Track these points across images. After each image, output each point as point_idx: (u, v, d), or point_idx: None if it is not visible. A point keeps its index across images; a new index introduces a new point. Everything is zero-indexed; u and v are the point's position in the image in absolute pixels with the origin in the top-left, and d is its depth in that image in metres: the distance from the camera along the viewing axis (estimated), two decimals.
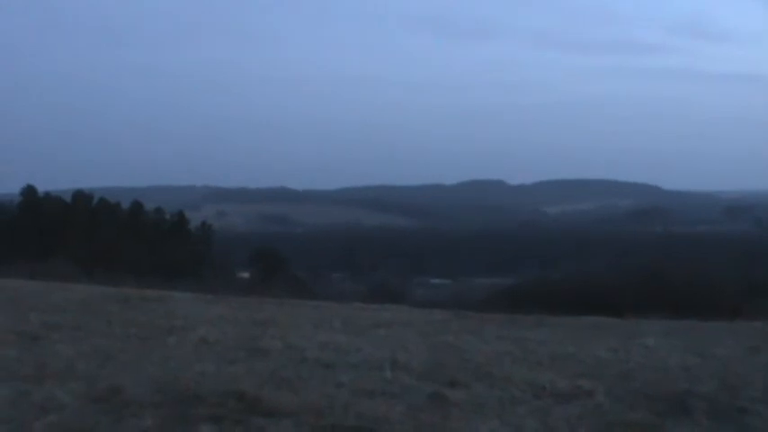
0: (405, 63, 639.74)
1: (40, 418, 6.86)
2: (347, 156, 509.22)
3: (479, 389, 8.51)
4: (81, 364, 9.11)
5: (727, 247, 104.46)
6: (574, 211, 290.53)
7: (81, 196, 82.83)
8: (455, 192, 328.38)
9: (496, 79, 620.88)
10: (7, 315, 12.98)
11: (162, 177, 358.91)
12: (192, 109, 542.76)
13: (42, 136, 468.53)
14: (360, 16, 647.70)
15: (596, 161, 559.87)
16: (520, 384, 8.67)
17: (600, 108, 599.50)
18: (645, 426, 7.33)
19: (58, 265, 36.98)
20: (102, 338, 11.37)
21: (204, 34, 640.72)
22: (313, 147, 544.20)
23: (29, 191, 79.61)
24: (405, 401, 7.85)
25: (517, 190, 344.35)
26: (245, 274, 72.14)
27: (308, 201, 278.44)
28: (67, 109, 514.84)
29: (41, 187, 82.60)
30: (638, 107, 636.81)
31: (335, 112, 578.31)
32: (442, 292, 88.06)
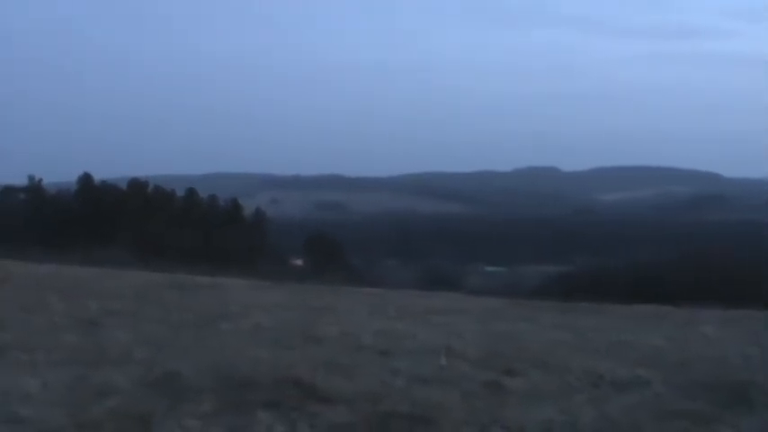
0: (457, 50, 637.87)
1: (97, 402, 6.92)
2: (401, 142, 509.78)
3: (535, 377, 8.45)
4: (138, 350, 9.19)
5: None
6: (630, 199, 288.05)
7: (136, 184, 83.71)
8: (509, 179, 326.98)
9: (551, 65, 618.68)
10: (66, 301, 13.14)
11: (216, 165, 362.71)
12: (246, 97, 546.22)
13: (99, 124, 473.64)
14: (411, 3, 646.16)
15: (654, 148, 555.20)
16: (576, 372, 8.59)
17: (657, 94, 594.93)
18: (704, 416, 7.22)
19: (114, 252, 37.43)
20: (158, 324, 11.47)
21: (258, 22, 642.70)
22: (367, 133, 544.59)
23: (85, 179, 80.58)
24: (460, 389, 7.82)
25: (571, 177, 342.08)
26: (299, 262, 72.51)
27: (362, 188, 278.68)
28: (123, 96, 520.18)
29: (97, 175, 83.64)
30: (697, 93, 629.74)
31: (390, 99, 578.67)
32: (496, 279, 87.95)
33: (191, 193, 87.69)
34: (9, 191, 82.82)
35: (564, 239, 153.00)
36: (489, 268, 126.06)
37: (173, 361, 8.52)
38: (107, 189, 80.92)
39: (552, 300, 18.46)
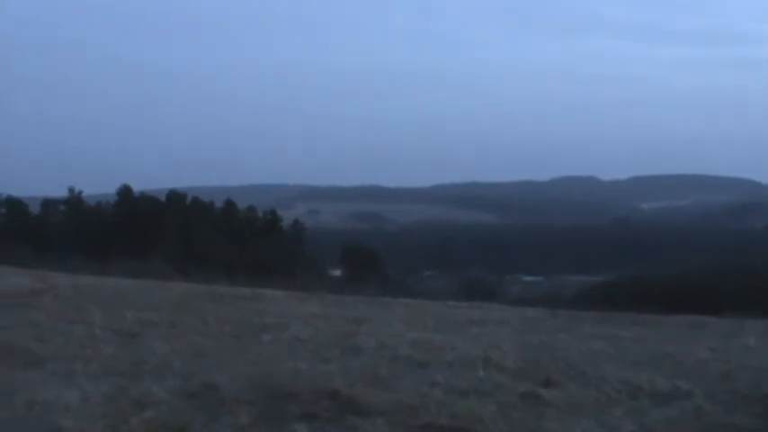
0: (497, 58, 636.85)
1: (136, 414, 6.95)
2: (439, 153, 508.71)
3: (574, 388, 8.38)
4: (177, 361, 9.23)
5: None
6: (670, 207, 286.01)
7: (175, 196, 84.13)
8: (547, 188, 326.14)
9: (590, 72, 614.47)
10: (105, 313, 13.22)
11: (255, 176, 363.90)
12: (285, 108, 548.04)
13: (138, 137, 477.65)
14: (450, 11, 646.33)
15: (693, 155, 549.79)
16: (615, 384, 8.51)
17: (696, 101, 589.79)
18: (746, 429, 7.12)
19: (153, 263, 37.65)
20: (196, 336, 11.51)
21: (291, 32, 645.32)
22: (405, 144, 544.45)
23: (124, 191, 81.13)
24: (498, 400, 7.77)
25: (610, 186, 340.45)
26: (338, 272, 72.53)
27: (400, 198, 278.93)
28: (160, 109, 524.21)
29: (137, 187, 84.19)
30: (736, 99, 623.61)
31: (427, 109, 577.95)
32: (534, 289, 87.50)
33: (229, 204, 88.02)
34: (49, 203, 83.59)
35: (603, 249, 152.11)
36: (527, 278, 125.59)
37: (211, 372, 8.55)
38: (146, 201, 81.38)
39: (591, 310, 18.35)
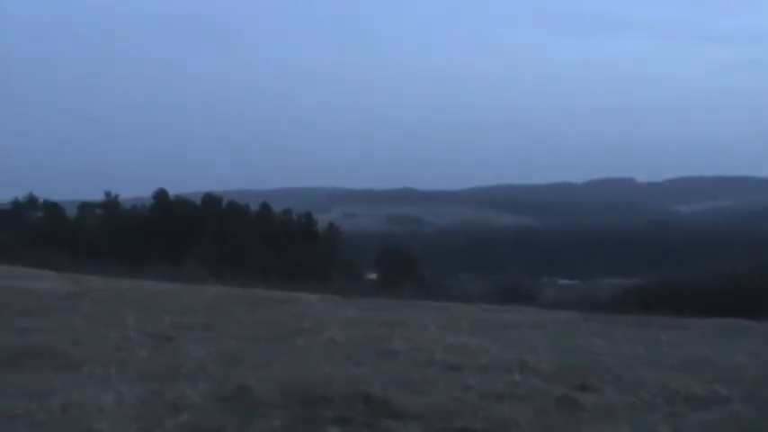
0: (532, 60, 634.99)
1: (171, 417, 6.96)
2: (475, 155, 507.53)
3: (610, 393, 8.31)
4: (211, 365, 9.25)
5: None
6: (708, 209, 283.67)
7: (211, 199, 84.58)
8: (584, 190, 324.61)
9: (626, 74, 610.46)
10: (141, 316, 13.29)
11: (290, 179, 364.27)
12: (319, 111, 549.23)
13: (173, 140, 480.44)
14: (485, 14, 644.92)
15: (731, 157, 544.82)
16: (652, 389, 8.43)
17: (735, 101, 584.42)
18: None
19: (189, 266, 37.82)
20: (231, 339, 11.55)
21: (330, 36, 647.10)
22: (439, 147, 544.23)
23: (160, 194, 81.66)
24: (533, 405, 7.72)
25: (648, 188, 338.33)
26: (373, 276, 72.51)
27: (436, 201, 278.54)
28: (197, 112, 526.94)
29: (172, 190, 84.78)
30: None
31: (462, 112, 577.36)
32: (570, 292, 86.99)
33: (265, 207, 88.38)
34: (86, 207, 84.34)
35: (640, 251, 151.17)
36: (563, 281, 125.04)
37: (245, 376, 8.54)
38: (182, 204, 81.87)
39: (627, 313, 18.24)
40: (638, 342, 12.22)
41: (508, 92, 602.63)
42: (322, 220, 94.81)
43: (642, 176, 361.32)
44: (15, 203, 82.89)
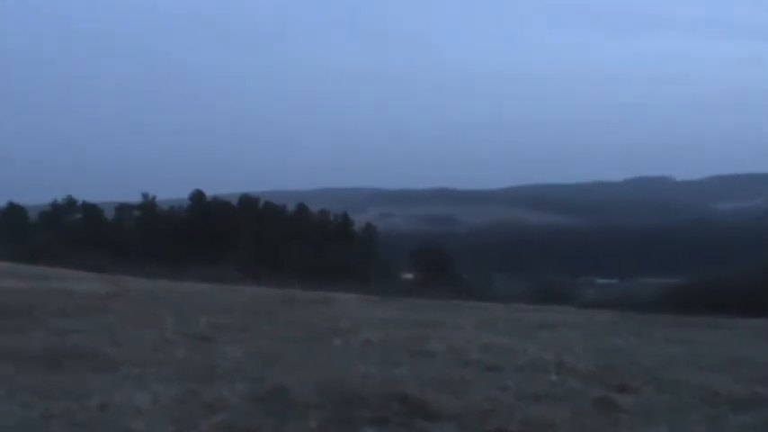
0: (565, 58, 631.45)
1: (207, 417, 6.96)
2: (511, 154, 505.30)
3: (648, 394, 8.23)
4: (247, 365, 9.26)
5: None
6: (747, 207, 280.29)
7: (248, 200, 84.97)
8: (621, 189, 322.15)
9: (664, 71, 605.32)
10: (178, 317, 13.35)
11: (327, 180, 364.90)
12: (354, 112, 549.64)
13: (210, 141, 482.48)
14: (515, 13, 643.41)
15: None
16: (691, 390, 8.34)
17: None
18: None
19: (226, 267, 38.01)
20: (268, 340, 11.57)
21: (357, 38, 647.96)
22: (475, 146, 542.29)
23: (197, 195, 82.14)
24: (571, 406, 7.66)
25: (686, 186, 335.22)
26: (409, 276, 72.50)
27: (472, 201, 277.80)
28: (233, 113, 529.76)
29: (209, 191, 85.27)
30: None
31: (498, 111, 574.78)
32: (608, 292, 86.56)
33: (301, 208, 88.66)
34: (124, 208, 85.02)
35: (678, 250, 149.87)
36: (601, 281, 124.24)
37: (281, 376, 8.55)
38: (219, 205, 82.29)
39: (666, 313, 18.11)
40: (677, 342, 12.12)
41: (543, 90, 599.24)
42: (358, 221, 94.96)
43: (680, 174, 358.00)
44: (54, 205, 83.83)
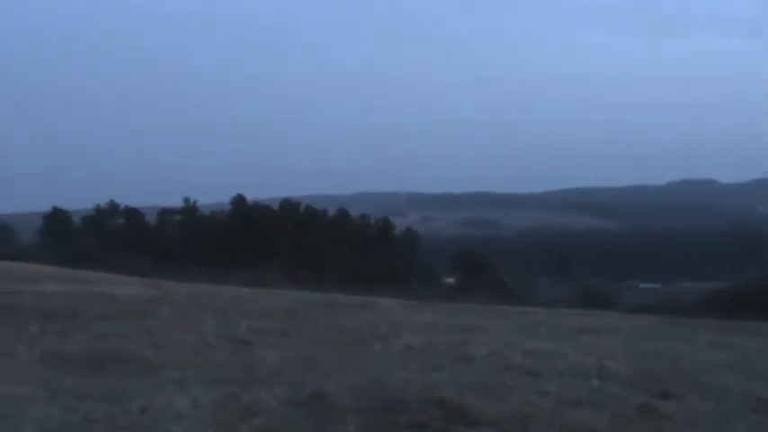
0: (607, 59, 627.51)
1: (246, 421, 6.97)
2: (553, 157, 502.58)
3: (692, 400, 8.12)
4: (287, 369, 9.26)
5: None
6: None
7: (288, 204, 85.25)
8: (665, 192, 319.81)
9: (708, 72, 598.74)
10: (219, 321, 13.39)
11: (367, 184, 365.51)
12: (395, 115, 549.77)
13: (251, 146, 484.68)
14: (550, 14, 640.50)
15: None
16: (737, 396, 8.23)
17: None
18: None
19: (267, 271, 38.14)
20: (308, 344, 11.57)
21: (400, 40, 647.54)
22: (517, 149, 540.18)
23: (239, 200, 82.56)
24: (612, 411, 7.57)
25: (730, 189, 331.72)
26: (450, 280, 72.36)
27: (513, 204, 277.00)
28: (275, 119, 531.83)
29: (250, 196, 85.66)
30: None
31: (540, 114, 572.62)
32: (651, 296, 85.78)
33: (342, 212, 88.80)
34: (166, 213, 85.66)
35: (722, 254, 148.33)
36: (644, 285, 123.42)
37: (321, 381, 8.53)
38: (260, 210, 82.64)
39: (710, 318, 17.92)
40: (722, 347, 11.97)
41: (584, 92, 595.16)
42: (399, 225, 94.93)
43: (724, 177, 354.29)
44: (97, 210, 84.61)
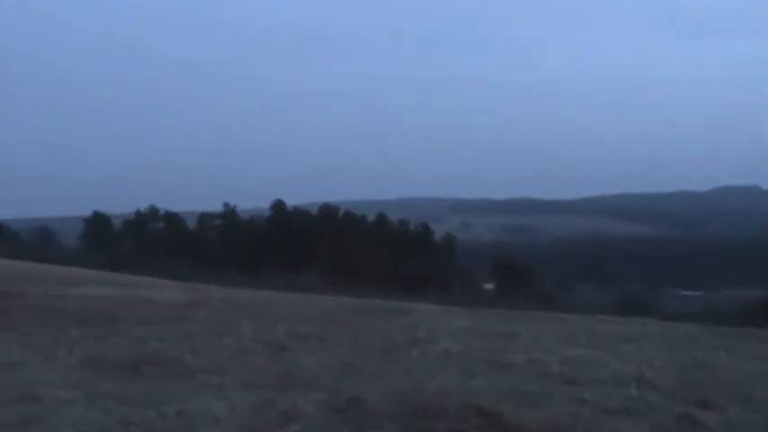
0: (650, 64, 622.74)
1: (282, 427, 6.96)
2: (593, 163, 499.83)
3: (733, 411, 8.01)
4: (325, 375, 9.25)
5: None
6: None
7: (328, 209, 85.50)
8: (707, 199, 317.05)
9: (750, 75, 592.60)
10: (257, 326, 13.42)
11: (407, 189, 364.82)
12: (437, 122, 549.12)
13: (291, 151, 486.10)
14: (599, 17, 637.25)
15: None
16: None
17: None
18: None
19: (306, 276, 38.23)
20: (346, 349, 11.55)
21: (440, 45, 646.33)
22: (557, 155, 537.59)
23: (278, 205, 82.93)
24: (651, 421, 7.49)
25: None
26: (490, 286, 72.20)
27: (553, 210, 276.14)
28: (315, 124, 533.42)
29: (290, 201, 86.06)
30: None
31: (579, 119, 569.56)
32: (692, 304, 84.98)
33: (381, 217, 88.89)
34: (205, 217, 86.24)
35: (765, 261, 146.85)
36: (685, 292, 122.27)
37: (358, 387, 8.52)
38: (299, 214, 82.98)
39: (753, 327, 17.70)
40: (765, 358, 11.81)
41: (623, 98, 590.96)
42: (439, 230, 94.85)
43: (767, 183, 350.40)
44: (138, 214, 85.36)
